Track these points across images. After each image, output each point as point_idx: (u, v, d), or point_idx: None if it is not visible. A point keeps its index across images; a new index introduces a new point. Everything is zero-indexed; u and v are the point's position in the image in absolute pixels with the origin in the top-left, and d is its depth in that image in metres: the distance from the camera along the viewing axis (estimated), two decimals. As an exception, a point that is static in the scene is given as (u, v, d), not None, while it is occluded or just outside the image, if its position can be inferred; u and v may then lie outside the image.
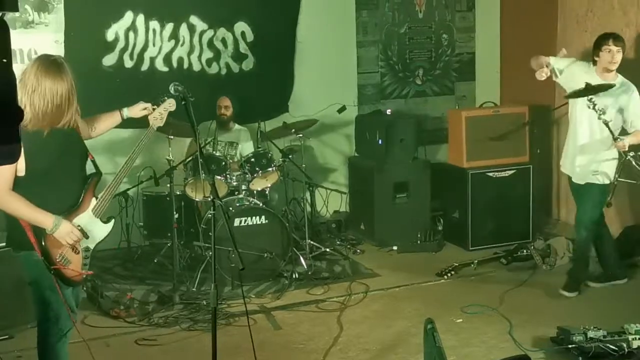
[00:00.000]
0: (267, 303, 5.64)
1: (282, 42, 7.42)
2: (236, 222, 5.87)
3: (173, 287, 5.79)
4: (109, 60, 6.76)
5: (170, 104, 4.16)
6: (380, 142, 6.97)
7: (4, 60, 1.48)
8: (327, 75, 7.56)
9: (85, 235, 3.58)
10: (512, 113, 6.95)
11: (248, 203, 6.10)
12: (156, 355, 4.85)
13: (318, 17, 7.46)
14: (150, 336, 5.06)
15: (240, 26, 7.22)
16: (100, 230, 3.71)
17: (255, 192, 6.31)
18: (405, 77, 7.99)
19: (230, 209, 5.94)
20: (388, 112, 7.42)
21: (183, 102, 3.76)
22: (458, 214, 6.86)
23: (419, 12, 8.01)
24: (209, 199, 3.84)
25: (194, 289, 5.78)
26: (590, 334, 4.51)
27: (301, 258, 6.24)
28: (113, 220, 3.79)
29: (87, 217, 3.62)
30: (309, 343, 4.94)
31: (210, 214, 5.56)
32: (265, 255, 5.91)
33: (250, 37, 7.26)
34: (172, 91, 3.83)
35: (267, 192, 6.45)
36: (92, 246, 3.66)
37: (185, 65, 7.05)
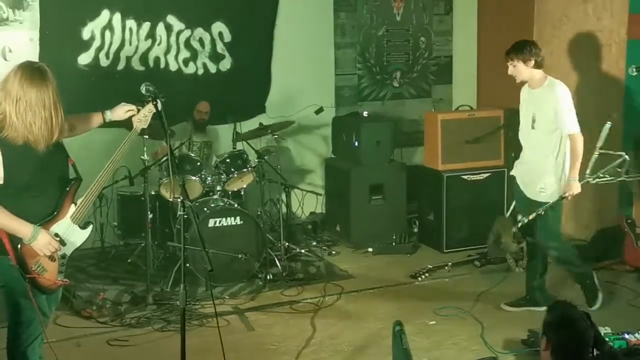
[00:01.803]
0: (241, 304, 5.64)
1: (259, 42, 7.42)
2: (210, 222, 5.86)
3: (146, 288, 5.75)
4: (84, 59, 6.72)
5: (151, 108, 3.94)
6: (356, 144, 6.99)
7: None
8: (304, 76, 7.57)
9: (62, 243, 3.50)
10: (487, 116, 7.00)
11: (223, 204, 6.09)
12: (128, 356, 4.83)
13: (296, 18, 7.47)
14: (123, 337, 5.04)
15: (218, 26, 7.22)
16: (78, 237, 3.61)
17: (230, 192, 6.31)
18: (382, 80, 8.02)
19: (205, 209, 5.93)
20: (365, 114, 7.44)
21: (154, 103, 3.73)
22: (433, 216, 6.89)
23: (397, 15, 8.05)
24: (180, 200, 3.74)
25: (168, 290, 5.76)
26: (561, 336, 4.53)
27: (276, 259, 6.24)
28: (91, 226, 3.68)
29: (65, 225, 3.53)
30: (282, 344, 4.95)
31: (181, 214, 5.54)
32: (240, 256, 5.89)
33: (227, 37, 7.26)
34: (143, 91, 3.79)
35: (242, 193, 6.45)
36: (68, 253, 3.58)
37: (162, 65, 7.04)
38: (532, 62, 5.17)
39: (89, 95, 6.29)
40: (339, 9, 7.76)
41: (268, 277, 6.02)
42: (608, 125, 5.39)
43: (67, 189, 3.55)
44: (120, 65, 6.87)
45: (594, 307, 5.30)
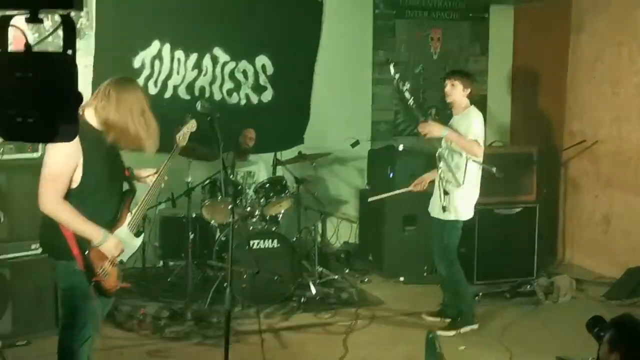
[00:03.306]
0: (275, 323, 5.82)
1: (300, 76, 7.72)
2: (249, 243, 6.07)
3: (185, 305, 5.97)
4: (134, 86, 7.03)
5: (192, 125, 4.23)
6: (391, 175, 7.19)
7: (69, 52, 1.72)
8: (342, 110, 7.83)
9: (121, 250, 3.71)
10: (520, 152, 7.17)
11: (261, 227, 6.31)
12: (168, 367, 5.04)
13: (337, 54, 7.76)
14: (162, 349, 5.25)
15: (262, 59, 7.53)
16: (133, 244, 3.85)
17: (268, 217, 6.53)
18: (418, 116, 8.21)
19: (244, 231, 6.15)
20: (400, 147, 7.64)
21: (209, 119, 3.99)
22: (465, 249, 7.02)
23: (434, 54, 8.31)
24: (228, 218, 3.97)
25: (205, 307, 5.97)
26: (589, 363, 4.65)
27: (310, 283, 6.42)
28: (143, 234, 3.94)
29: (124, 231, 3.75)
30: (314, 362, 5.12)
31: (223, 237, 5.77)
32: (276, 278, 6.09)
33: (270, 70, 7.56)
34: (199, 108, 4.05)
35: (279, 219, 6.66)
36: (125, 259, 3.81)
37: (207, 94, 7.34)
38: (469, 90, 5.67)
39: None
40: (378, 46, 8.06)
41: (302, 300, 6.21)
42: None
43: (125, 198, 3.78)
44: (168, 94, 7.18)
45: (448, 333, 5.56)
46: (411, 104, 5.58)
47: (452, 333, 5.64)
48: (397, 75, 5.64)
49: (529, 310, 6.22)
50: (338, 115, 7.81)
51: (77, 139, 3.24)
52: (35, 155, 5.31)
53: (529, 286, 6.55)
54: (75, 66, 1.73)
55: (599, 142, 7.36)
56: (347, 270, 7.19)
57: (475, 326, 5.74)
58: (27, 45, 1.74)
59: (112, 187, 3.72)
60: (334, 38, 7.74)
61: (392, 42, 8.09)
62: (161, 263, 6.90)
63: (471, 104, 5.76)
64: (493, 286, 6.74)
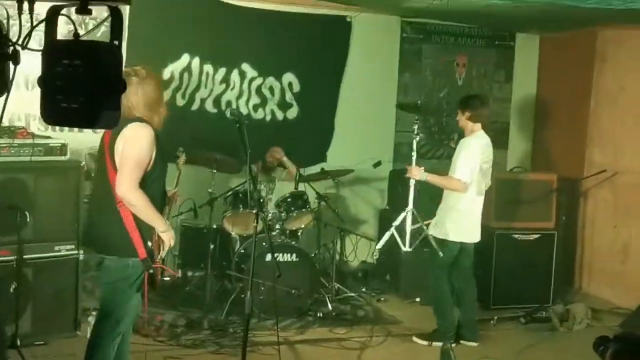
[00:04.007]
0: (291, 336, 5.86)
1: (326, 95, 7.81)
2: (268, 257, 6.12)
3: (202, 314, 6.03)
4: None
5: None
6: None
7: (116, 42, 1.81)
8: (366, 130, 7.91)
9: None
10: (541, 179, 7.20)
11: (280, 240, 6.37)
12: (183, 372, 5.09)
13: (362, 74, 7.86)
14: (178, 355, 5.30)
15: (289, 77, 7.64)
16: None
17: (288, 232, 6.59)
18: (440, 140, 8.32)
19: (264, 243, 6.20)
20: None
21: (237, 125, 4.11)
22: (481, 271, 7.04)
23: (459, 79, 8.38)
24: (249, 230, 4.16)
25: (222, 318, 6.02)
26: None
27: (327, 299, 6.47)
28: None
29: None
30: (328, 375, 5.16)
31: (242, 249, 5.85)
32: (293, 291, 6.14)
33: (296, 87, 7.67)
34: (228, 114, 4.19)
35: (299, 234, 6.72)
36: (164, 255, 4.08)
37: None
38: (468, 114, 5.82)
39: (163, 130, 6.68)
40: (404, 69, 8.15)
41: (318, 315, 6.25)
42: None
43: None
44: (195, 106, 7.29)
45: (422, 342, 5.87)
46: (413, 156, 6.03)
47: (424, 343, 5.86)
48: (415, 131, 6.05)
49: (544, 337, 6.22)
50: (361, 136, 7.89)
51: (152, 131, 3.68)
52: (63, 158, 5.43)
53: (544, 312, 6.55)
54: (120, 56, 1.82)
55: (619, 172, 7.38)
56: (364, 289, 7.22)
57: (450, 342, 5.66)
58: (76, 34, 1.83)
59: (164, 180, 4.00)
60: (360, 59, 7.84)
61: (418, 66, 8.19)
62: (180, 272, 6.96)
63: (484, 126, 5.94)
64: (509, 311, 6.75)
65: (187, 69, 7.22)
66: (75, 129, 6.67)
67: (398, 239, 5.95)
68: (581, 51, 7.94)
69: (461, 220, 5.81)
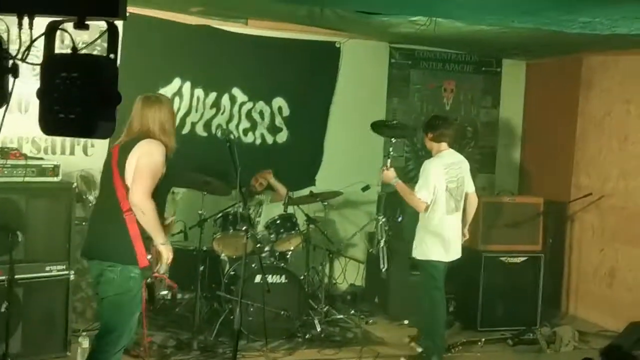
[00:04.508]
0: (280, 357, 5.89)
1: (315, 119, 7.91)
2: (257, 278, 6.16)
3: (192, 335, 6.05)
4: (153, 120, 7.23)
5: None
6: (400, 219, 7.31)
7: (112, 56, 1.89)
8: (354, 154, 7.99)
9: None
10: (527, 203, 7.30)
11: (269, 262, 6.41)
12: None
13: (351, 99, 7.96)
14: (168, 376, 5.33)
15: (278, 101, 7.73)
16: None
17: (277, 254, 6.64)
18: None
19: (253, 265, 6.25)
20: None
21: (228, 144, 4.22)
22: (468, 295, 7.08)
23: (447, 105, 8.50)
24: (239, 252, 4.29)
25: (212, 339, 6.05)
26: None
27: (316, 321, 6.49)
28: None
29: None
30: (316, 396, 5.18)
31: (232, 271, 5.88)
32: (282, 313, 6.17)
33: (286, 112, 7.75)
34: (219, 135, 4.31)
35: (288, 256, 6.76)
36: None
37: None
38: (430, 134, 6.01)
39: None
40: (392, 94, 8.26)
41: (307, 337, 6.28)
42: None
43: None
44: (185, 130, 7.34)
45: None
46: (388, 160, 6.25)
47: None
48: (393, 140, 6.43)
49: (531, 358, 6.27)
50: (350, 160, 7.96)
51: (164, 149, 3.96)
52: (55, 179, 5.49)
53: (531, 334, 6.60)
54: (116, 69, 1.90)
55: (605, 196, 7.48)
56: (352, 311, 7.26)
57: None
58: (74, 48, 1.91)
59: (165, 198, 4.27)
60: (349, 84, 7.95)
61: (406, 91, 8.31)
62: (169, 295, 6.98)
63: (450, 145, 6.11)
64: (496, 333, 6.79)
65: (179, 93, 7.30)
66: (67, 152, 6.79)
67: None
68: (567, 77, 8.09)
69: (432, 239, 5.88)
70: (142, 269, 4.00)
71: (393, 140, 6.39)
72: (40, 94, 1.91)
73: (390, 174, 5.98)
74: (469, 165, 6.14)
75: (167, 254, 4.17)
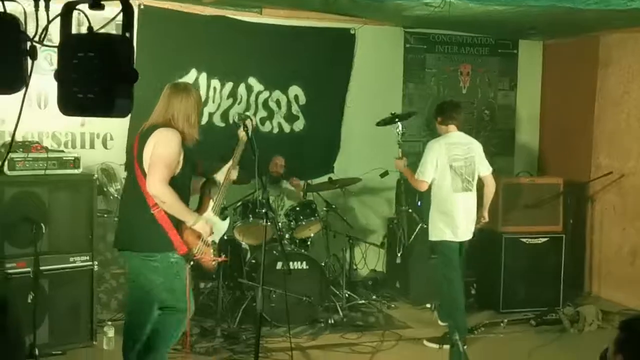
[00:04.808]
0: (303, 342, 5.93)
1: (332, 106, 7.91)
2: (278, 265, 6.21)
3: (215, 323, 6.11)
4: (171, 112, 7.27)
5: (251, 123, 4.81)
6: (419, 204, 7.31)
7: (127, 35, 1.92)
8: (372, 140, 7.98)
9: (211, 230, 4.32)
10: (547, 183, 7.27)
11: (290, 249, 6.45)
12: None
13: (367, 85, 7.95)
14: (192, 362, 5.39)
15: (294, 89, 7.74)
16: (221, 226, 4.53)
17: (298, 241, 6.67)
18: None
19: (274, 252, 6.29)
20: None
21: (245, 129, 4.25)
22: (491, 276, 7.07)
23: (463, 88, 8.48)
24: (260, 240, 4.35)
25: (235, 326, 6.10)
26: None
27: (338, 306, 6.53)
28: (228, 217, 4.65)
29: (210, 215, 4.45)
30: (341, 378, 5.22)
31: (253, 259, 5.93)
32: (304, 299, 6.21)
33: (302, 100, 7.77)
34: (236, 119, 4.36)
35: (308, 243, 6.80)
36: (217, 239, 4.48)
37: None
38: (439, 118, 6.13)
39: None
40: (408, 79, 8.25)
41: (329, 322, 6.32)
42: None
43: (206, 187, 4.47)
44: (203, 120, 7.37)
45: (432, 345, 5.98)
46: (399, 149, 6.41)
47: (435, 346, 5.97)
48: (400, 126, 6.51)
49: (555, 338, 6.26)
50: (368, 146, 7.97)
51: (180, 137, 4.06)
52: (76, 171, 5.56)
53: (554, 315, 6.60)
54: (132, 47, 1.93)
55: (625, 175, 7.44)
56: (374, 297, 7.28)
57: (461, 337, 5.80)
58: (90, 28, 1.94)
59: (190, 179, 4.34)
60: (365, 70, 7.94)
61: (422, 76, 8.29)
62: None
63: (460, 128, 6.16)
64: (519, 314, 6.80)
65: (195, 84, 7.31)
66: (87, 146, 6.85)
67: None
68: (585, 56, 8.04)
69: (441, 218, 5.96)
70: (182, 255, 4.14)
71: (399, 129, 6.46)
72: (58, 75, 1.94)
73: (400, 163, 6.18)
74: (481, 147, 6.15)
75: (204, 230, 4.27)
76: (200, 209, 4.44)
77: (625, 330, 3.12)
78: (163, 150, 4.07)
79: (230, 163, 4.62)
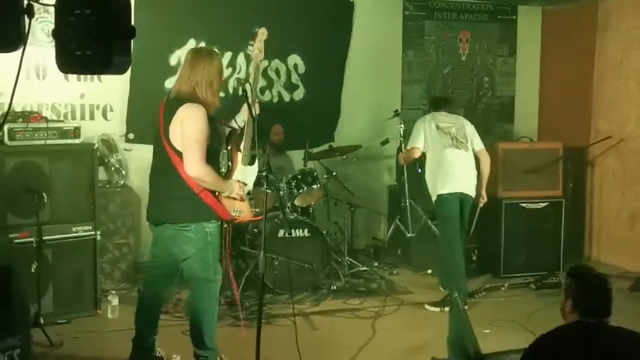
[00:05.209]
0: (306, 309, 5.99)
1: (331, 75, 7.91)
2: (280, 232, 6.24)
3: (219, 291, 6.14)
4: (170, 82, 7.23)
5: (263, 34, 4.85)
6: (419, 170, 7.32)
7: (124, -9, 1.93)
8: (372, 109, 8.00)
9: (244, 184, 4.46)
10: (546, 148, 7.29)
11: (292, 217, 6.48)
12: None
13: (367, 53, 7.94)
14: (196, 328, 5.42)
15: (294, 58, 7.74)
16: (250, 174, 4.54)
17: (299, 209, 6.70)
18: (446, 115, 8.37)
19: (276, 220, 6.32)
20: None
21: (244, 93, 4.25)
22: (492, 241, 7.11)
23: (462, 55, 8.47)
24: (264, 188, 4.31)
25: (238, 293, 6.13)
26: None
27: (340, 273, 6.58)
28: (256, 160, 4.56)
29: (240, 170, 4.50)
30: (343, 342, 5.27)
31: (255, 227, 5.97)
32: (307, 266, 6.25)
33: (302, 69, 7.77)
34: (234, 85, 4.35)
35: (310, 211, 6.83)
36: (250, 188, 4.52)
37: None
38: (431, 110, 6.50)
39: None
40: (408, 47, 8.24)
41: (332, 288, 6.37)
42: None
43: (230, 145, 4.46)
44: (202, 90, 7.38)
45: (434, 309, 6.05)
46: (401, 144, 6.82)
47: (436, 309, 6.01)
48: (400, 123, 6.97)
49: (554, 301, 6.28)
50: (368, 114, 7.98)
51: (204, 111, 4.02)
52: (76, 141, 5.57)
53: (554, 278, 6.65)
54: (129, 4, 1.93)
55: (625, 139, 7.45)
56: (376, 264, 7.33)
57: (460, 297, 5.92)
58: (86, -14, 1.94)
59: (220, 147, 4.36)
60: (364, 38, 7.93)
61: (421, 43, 8.28)
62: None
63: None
64: (519, 279, 6.85)
65: (194, 54, 7.31)
66: (87, 117, 6.86)
67: (402, 227, 6.82)
68: (583, 21, 8.02)
69: (434, 172, 6.16)
70: (226, 221, 4.35)
71: (401, 126, 6.92)
72: (56, 33, 1.96)
73: (403, 156, 6.57)
74: (472, 127, 6.36)
75: (237, 191, 4.35)
76: (232, 169, 4.47)
77: (571, 277, 3.21)
78: (194, 130, 4.04)
79: (245, 105, 4.54)
